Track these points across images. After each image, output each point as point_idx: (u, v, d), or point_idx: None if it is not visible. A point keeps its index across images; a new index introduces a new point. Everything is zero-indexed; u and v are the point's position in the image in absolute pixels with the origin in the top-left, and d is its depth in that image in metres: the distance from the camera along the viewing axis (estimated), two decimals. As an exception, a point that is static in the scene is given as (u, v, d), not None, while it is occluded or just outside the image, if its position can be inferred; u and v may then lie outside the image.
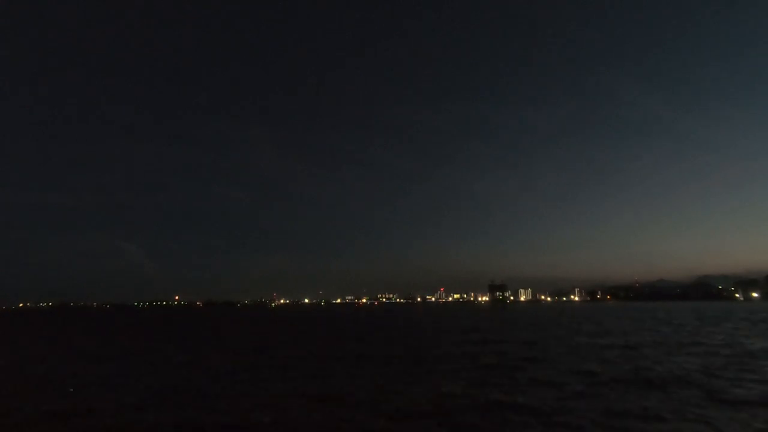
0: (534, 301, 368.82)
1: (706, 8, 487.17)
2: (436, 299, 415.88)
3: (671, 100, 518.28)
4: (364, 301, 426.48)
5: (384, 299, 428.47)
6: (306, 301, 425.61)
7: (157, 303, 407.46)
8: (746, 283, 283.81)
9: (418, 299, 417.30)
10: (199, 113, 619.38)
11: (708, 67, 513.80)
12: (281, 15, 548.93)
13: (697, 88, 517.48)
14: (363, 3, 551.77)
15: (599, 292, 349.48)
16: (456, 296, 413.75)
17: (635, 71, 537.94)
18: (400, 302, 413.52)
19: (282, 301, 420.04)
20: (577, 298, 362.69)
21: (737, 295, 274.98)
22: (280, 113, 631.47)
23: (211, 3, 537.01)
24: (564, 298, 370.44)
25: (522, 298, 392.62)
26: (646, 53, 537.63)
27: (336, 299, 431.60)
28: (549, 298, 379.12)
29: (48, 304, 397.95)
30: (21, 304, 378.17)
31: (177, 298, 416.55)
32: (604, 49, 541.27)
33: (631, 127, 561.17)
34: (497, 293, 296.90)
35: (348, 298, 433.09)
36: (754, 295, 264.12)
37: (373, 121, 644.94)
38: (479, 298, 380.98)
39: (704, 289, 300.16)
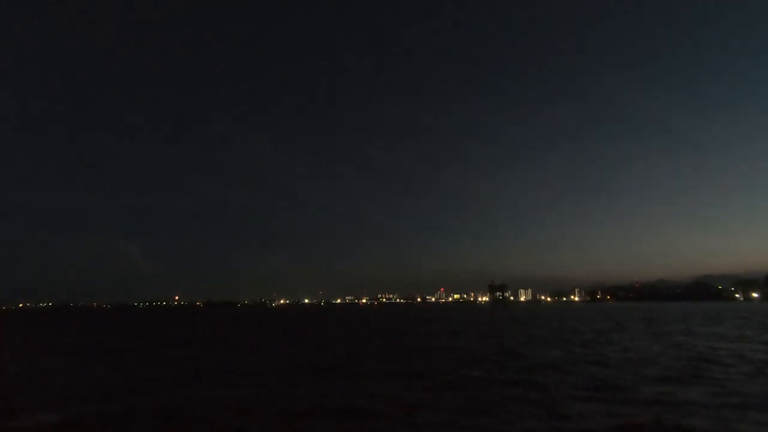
0: (534, 301, 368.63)
1: (707, 9, 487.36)
2: (436, 299, 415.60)
3: (672, 101, 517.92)
4: (364, 301, 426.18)
5: (384, 299, 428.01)
6: (306, 301, 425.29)
7: (157, 303, 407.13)
8: (746, 283, 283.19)
9: (418, 299, 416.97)
10: (199, 113, 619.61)
11: (708, 69, 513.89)
12: (282, 15, 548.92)
13: (697, 90, 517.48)
14: (364, 3, 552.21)
15: (599, 292, 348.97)
16: (456, 296, 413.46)
17: (636, 72, 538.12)
18: (400, 302, 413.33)
19: (282, 301, 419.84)
20: (577, 298, 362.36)
21: (737, 296, 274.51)
22: (281, 113, 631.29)
23: (212, 3, 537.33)
24: (564, 298, 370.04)
25: (522, 299, 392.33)
26: (648, 54, 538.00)
27: (336, 299, 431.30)
28: (549, 298, 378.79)
29: (48, 304, 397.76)
30: (21, 304, 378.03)
31: (177, 298, 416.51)
32: (606, 49, 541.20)
33: (632, 128, 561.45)
34: (497, 293, 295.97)
35: (348, 298, 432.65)
36: (754, 295, 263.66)
37: (374, 121, 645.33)
38: (479, 298, 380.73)
39: (704, 289, 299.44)
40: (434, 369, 19.60)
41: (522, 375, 18.00)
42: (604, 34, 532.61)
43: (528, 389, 15.16)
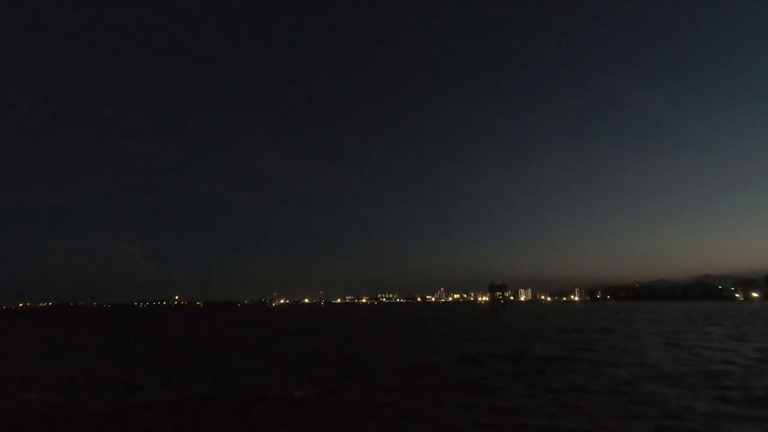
0: (534, 301, 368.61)
1: (707, 9, 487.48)
2: (436, 299, 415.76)
3: (672, 101, 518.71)
4: (364, 300, 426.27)
5: (384, 299, 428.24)
6: (306, 301, 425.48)
7: (157, 303, 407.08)
8: (746, 283, 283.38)
9: (419, 299, 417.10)
10: (199, 113, 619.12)
11: (708, 69, 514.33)
12: (282, 15, 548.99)
13: (697, 89, 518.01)
14: (364, 3, 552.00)
15: (599, 292, 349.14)
16: (456, 296, 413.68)
17: (636, 72, 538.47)
18: (400, 302, 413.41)
19: (282, 301, 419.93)
20: (577, 298, 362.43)
21: (737, 295, 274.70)
22: (280, 113, 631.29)
23: (212, 3, 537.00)
24: (564, 298, 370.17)
25: (522, 298, 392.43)
26: (648, 54, 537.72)
27: (336, 299, 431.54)
28: (549, 298, 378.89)
29: (48, 304, 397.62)
30: (21, 304, 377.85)
31: (177, 298, 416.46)
32: (606, 49, 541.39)
33: (632, 128, 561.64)
34: (497, 293, 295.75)
35: (348, 298, 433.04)
36: (754, 295, 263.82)
37: (373, 122, 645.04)
38: (479, 298, 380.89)
39: (704, 289, 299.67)
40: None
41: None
42: (604, 34, 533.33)
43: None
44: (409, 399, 14.42)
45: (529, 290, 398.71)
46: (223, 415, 12.84)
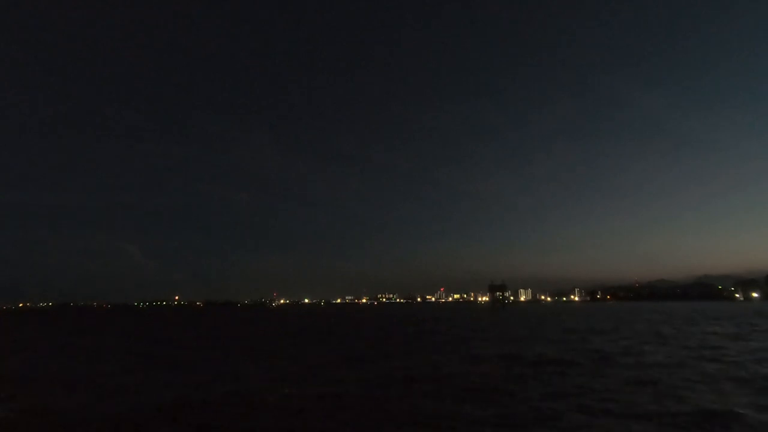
0: (534, 301, 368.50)
1: (707, 9, 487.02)
2: (436, 299, 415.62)
3: (672, 101, 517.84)
4: (364, 300, 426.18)
5: (384, 299, 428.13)
6: (306, 301, 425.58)
7: (157, 303, 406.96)
8: (746, 283, 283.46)
9: (419, 299, 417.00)
10: (200, 113, 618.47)
11: (708, 69, 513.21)
12: (282, 15, 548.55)
13: (697, 90, 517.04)
14: (364, 3, 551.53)
15: (599, 292, 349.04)
16: (456, 296, 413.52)
17: (636, 72, 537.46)
18: (400, 302, 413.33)
19: (282, 301, 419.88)
20: (577, 298, 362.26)
21: (737, 295, 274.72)
22: (280, 113, 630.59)
23: (212, 3, 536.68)
24: (564, 298, 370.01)
25: (522, 298, 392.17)
26: (648, 54, 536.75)
27: (336, 299, 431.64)
28: (549, 298, 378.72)
29: (48, 304, 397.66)
30: (21, 304, 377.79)
31: (177, 298, 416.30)
32: (606, 49, 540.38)
33: (632, 128, 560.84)
34: (497, 293, 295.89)
35: (348, 298, 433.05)
36: (754, 295, 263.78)
37: (373, 122, 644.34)
38: (479, 298, 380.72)
39: (704, 289, 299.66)
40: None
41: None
42: (604, 34, 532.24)
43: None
44: (410, 399, 14.37)
45: (529, 290, 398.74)
46: (223, 416, 12.77)
